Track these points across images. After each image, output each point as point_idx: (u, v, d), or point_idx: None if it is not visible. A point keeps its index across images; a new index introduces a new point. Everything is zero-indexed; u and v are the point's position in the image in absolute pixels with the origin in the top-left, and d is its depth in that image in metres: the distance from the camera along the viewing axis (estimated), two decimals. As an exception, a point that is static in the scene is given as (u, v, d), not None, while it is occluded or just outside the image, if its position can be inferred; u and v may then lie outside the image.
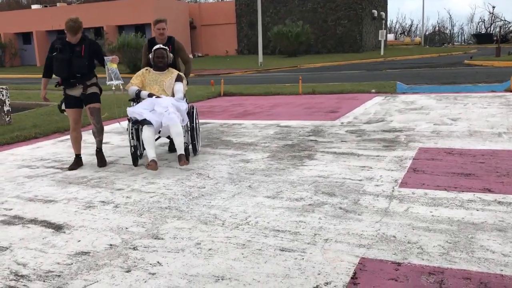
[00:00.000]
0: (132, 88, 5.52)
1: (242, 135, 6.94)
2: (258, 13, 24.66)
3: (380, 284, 2.49)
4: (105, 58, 5.33)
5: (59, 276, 2.77)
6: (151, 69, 5.63)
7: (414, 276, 2.56)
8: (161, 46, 5.59)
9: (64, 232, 3.45)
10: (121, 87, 5.36)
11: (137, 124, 5.20)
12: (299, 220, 3.44)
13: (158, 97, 5.32)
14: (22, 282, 2.74)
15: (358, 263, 2.74)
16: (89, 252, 3.08)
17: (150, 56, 5.61)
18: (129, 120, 5.22)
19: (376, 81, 13.62)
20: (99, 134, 5.51)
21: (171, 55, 5.67)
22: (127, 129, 5.36)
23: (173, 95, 5.49)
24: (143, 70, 5.68)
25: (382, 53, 29.70)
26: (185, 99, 5.61)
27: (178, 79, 5.62)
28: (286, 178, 4.55)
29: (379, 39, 30.76)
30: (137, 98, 5.51)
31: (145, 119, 5.02)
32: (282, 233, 3.23)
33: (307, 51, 32.98)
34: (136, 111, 5.10)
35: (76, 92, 5.31)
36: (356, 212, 3.56)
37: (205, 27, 37.17)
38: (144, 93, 5.43)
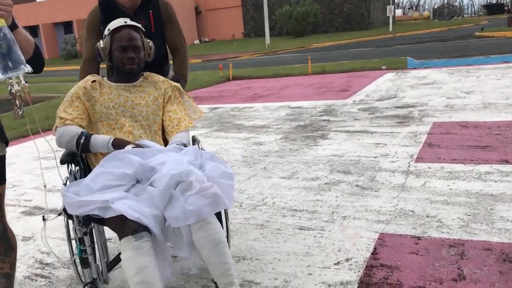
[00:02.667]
0: (69, 129, 2.27)
1: (254, 118, 6.93)
2: (264, -6, 24.40)
3: (401, 258, 2.50)
4: None
5: (83, 262, 2.81)
6: (106, 78, 2.46)
7: (435, 249, 2.56)
8: (129, 21, 2.38)
9: (85, 220, 3.49)
10: (23, 82, 1.81)
11: (94, 223, 2.16)
12: (316, 199, 3.45)
13: (136, 146, 2.21)
14: (47, 270, 2.79)
15: (378, 238, 2.75)
16: (111, 239, 3.12)
17: (101, 46, 2.37)
18: (66, 213, 2.09)
19: (386, 58, 13.47)
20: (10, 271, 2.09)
21: (149, 42, 2.44)
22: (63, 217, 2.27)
23: (163, 140, 2.47)
24: (85, 80, 2.41)
25: (391, 29, 29.31)
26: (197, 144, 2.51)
27: (172, 100, 2.49)
28: (300, 158, 4.55)
29: (387, 15, 30.32)
30: (81, 158, 2.36)
31: (137, 224, 1.86)
32: (299, 212, 3.24)
33: (315, 31, 32.65)
34: (97, 199, 1.92)
35: None
36: (373, 189, 3.56)
37: (211, 11, 36.93)
38: (99, 141, 2.24)
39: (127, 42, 2.32)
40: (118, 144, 2.21)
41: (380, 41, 23.72)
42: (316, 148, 4.86)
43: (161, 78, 2.53)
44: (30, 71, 1.63)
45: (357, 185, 3.65)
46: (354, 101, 7.49)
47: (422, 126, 5.39)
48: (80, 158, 2.35)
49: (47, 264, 2.86)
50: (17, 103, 8.84)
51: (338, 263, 2.50)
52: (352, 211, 3.17)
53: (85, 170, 2.37)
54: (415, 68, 10.92)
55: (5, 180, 1.98)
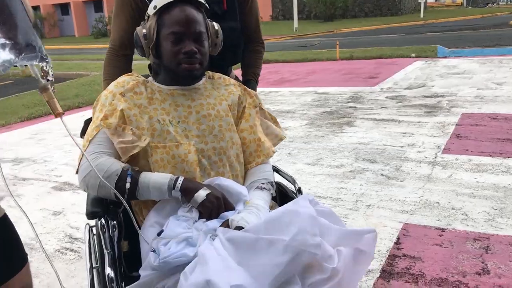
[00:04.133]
0: (102, 165, 1.39)
1: (280, 103, 6.92)
2: (293, -23, 24.11)
3: (424, 249, 2.50)
4: None
5: (111, 239, 2.90)
6: (150, 78, 1.60)
7: (459, 242, 2.55)
8: None
9: (113, 198, 3.59)
10: (51, 88, 1.18)
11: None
12: (340, 186, 3.46)
13: (210, 190, 1.38)
14: (76, 244, 2.89)
15: (402, 228, 2.75)
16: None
17: (143, 32, 1.50)
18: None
19: (416, 45, 13.20)
20: None
21: (215, 26, 1.58)
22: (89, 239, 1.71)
23: (239, 174, 1.56)
24: (121, 82, 1.53)
25: (422, 15, 28.65)
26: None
27: (248, 113, 1.65)
28: (325, 145, 4.55)
29: (419, 1, 29.64)
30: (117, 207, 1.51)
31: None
32: (323, 199, 3.26)
33: (344, 15, 32.14)
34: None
35: None
36: (398, 178, 3.54)
37: (239, -7, 36.68)
38: (153, 184, 1.38)
39: (184, 27, 1.46)
40: (188, 189, 1.37)
41: (410, 27, 23.23)
42: (342, 135, 4.84)
43: (232, 80, 1.70)
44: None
45: (382, 174, 3.64)
46: (381, 88, 7.40)
47: (450, 116, 5.31)
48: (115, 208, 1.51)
49: (76, 239, 2.96)
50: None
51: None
52: (377, 200, 3.17)
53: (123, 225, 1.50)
54: (445, 57, 10.69)
55: None
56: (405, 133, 4.76)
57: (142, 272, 1.27)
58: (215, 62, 1.79)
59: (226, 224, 1.27)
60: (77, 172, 1.44)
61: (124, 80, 1.53)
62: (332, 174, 3.71)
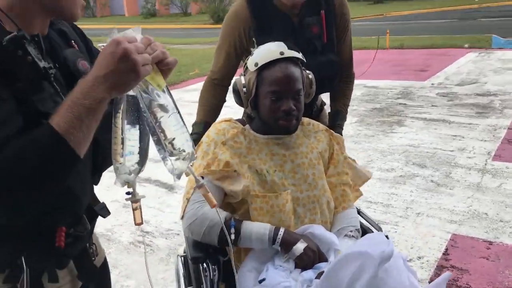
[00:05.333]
0: (207, 214, 1.50)
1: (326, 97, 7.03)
2: (343, -42, 23.67)
3: (471, 262, 2.66)
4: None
5: (178, 234, 3.21)
6: (248, 126, 1.68)
7: (507, 256, 2.69)
8: (286, 51, 1.55)
9: (176, 193, 3.90)
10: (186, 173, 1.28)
11: None
12: (391, 192, 3.62)
13: (307, 242, 1.48)
14: (148, 238, 3.21)
15: (450, 239, 2.91)
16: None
17: (242, 83, 1.59)
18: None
19: (469, 34, 12.85)
20: None
21: (309, 75, 1.63)
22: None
23: (328, 220, 1.64)
24: (221, 130, 1.63)
25: (477, -2, 27.54)
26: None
27: (336, 158, 1.71)
28: (375, 146, 4.69)
29: (475, -18, 28.43)
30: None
31: None
32: (374, 204, 3.43)
33: (394, -3, 31.33)
34: None
35: None
36: (448, 186, 3.66)
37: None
38: (255, 236, 1.49)
39: (284, 87, 1.52)
40: (287, 242, 1.47)
41: (464, 12, 22.44)
42: (392, 136, 4.96)
43: (321, 125, 1.75)
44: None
45: (432, 181, 3.77)
46: (432, 84, 7.38)
47: (502, 119, 5.31)
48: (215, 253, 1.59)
49: (147, 232, 3.28)
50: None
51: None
52: (426, 208, 3.32)
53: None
54: (500, 48, 10.40)
55: None
56: (456, 135, 4.82)
57: None
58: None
59: (320, 275, 1.36)
60: (182, 218, 1.56)
61: (224, 128, 1.62)
62: (383, 179, 3.87)
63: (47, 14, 1.04)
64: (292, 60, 1.56)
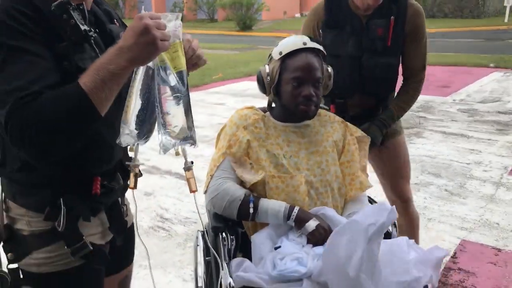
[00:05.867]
0: (228, 190, 1.67)
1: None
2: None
3: (479, 266, 2.72)
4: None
5: (195, 223, 3.34)
6: (268, 113, 1.84)
7: (513, 263, 2.75)
8: (309, 42, 1.70)
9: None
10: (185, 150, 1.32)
11: None
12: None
13: (318, 225, 1.59)
14: (167, 224, 3.35)
15: (459, 244, 2.98)
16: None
17: (266, 71, 1.74)
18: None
19: (495, 54, 12.81)
20: None
21: (328, 68, 1.79)
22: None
23: (339, 205, 1.75)
24: (244, 116, 1.78)
25: (506, 20, 27.33)
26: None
27: (347, 148, 1.82)
28: (393, 154, 4.76)
29: (505, 4, 28.25)
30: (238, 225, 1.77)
31: None
32: (387, 207, 3.51)
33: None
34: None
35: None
36: (461, 195, 3.73)
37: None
38: (271, 212, 1.63)
39: (306, 74, 1.66)
40: (301, 219, 1.60)
41: (492, 32, 22.29)
42: (410, 146, 5.01)
43: (337, 117, 1.87)
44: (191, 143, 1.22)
45: (446, 190, 3.83)
46: (454, 100, 7.41)
47: (523, 136, 5.33)
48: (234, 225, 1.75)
49: (166, 219, 3.42)
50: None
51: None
52: (438, 215, 3.39)
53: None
54: (526, 69, 10.35)
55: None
56: (473, 150, 4.87)
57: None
58: (367, 92, 2.15)
59: None
60: (205, 192, 1.71)
61: (246, 114, 1.78)
62: (397, 185, 3.94)
63: None
64: (314, 50, 1.70)
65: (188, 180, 1.31)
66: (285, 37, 1.78)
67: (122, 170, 1.39)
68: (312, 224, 1.58)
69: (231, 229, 1.72)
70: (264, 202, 1.64)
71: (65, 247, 1.23)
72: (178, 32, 1.15)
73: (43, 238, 1.22)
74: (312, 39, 1.73)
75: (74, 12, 1.13)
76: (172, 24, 1.13)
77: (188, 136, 1.19)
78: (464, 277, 2.62)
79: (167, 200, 3.74)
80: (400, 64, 2.20)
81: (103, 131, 1.21)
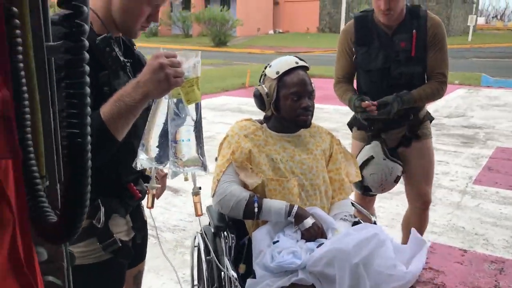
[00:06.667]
0: (234, 191, 1.87)
1: (324, 120, 7.43)
2: (343, -8, 24.57)
3: (447, 265, 2.99)
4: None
5: (184, 230, 3.51)
6: (265, 125, 2.04)
7: (478, 262, 3.03)
8: (299, 61, 1.95)
9: (181, 195, 4.21)
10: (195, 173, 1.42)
11: None
12: (379, 205, 3.96)
13: (314, 223, 1.82)
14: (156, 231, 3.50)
15: (430, 246, 3.24)
16: (205, 213, 3.81)
17: (265, 91, 1.93)
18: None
19: (460, 71, 13.43)
20: None
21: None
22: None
23: (325, 206, 1.99)
24: (244, 127, 2.01)
25: (469, 39, 28.53)
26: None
27: (334, 156, 2.07)
28: (367, 165, 5.04)
29: (468, 24, 29.49)
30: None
31: None
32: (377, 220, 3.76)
33: (390, 33, 32.31)
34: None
35: None
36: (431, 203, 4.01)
37: (288, 3, 37.33)
38: (273, 210, 1.84)
39: (302, 88, 1.90)
40: (300, 216, 1.81)
41: (457, 51, 23.25)
42: (382, 158, 5.32)
43: (324, 129, 2.13)
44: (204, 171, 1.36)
45: (416, 198, 4.12)
46: (422, 114, 7.80)
47: (485, 149, 5.71)
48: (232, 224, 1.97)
49: (156, 227, 3.57)
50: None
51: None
52: (410, 220, 3.66)
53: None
54: (488, 87, 10.94)
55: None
56: (441, 161, 5.20)
57: (256, 267, 1.73)
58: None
59: (319, 246, 1.73)
60: (212, 195, 1.92)
61: (245, 125, 2.00)
62: (380, 196, 4.21)
63: (116, 28, 1.39)
64: (304, 68, 1.95)
65: (195, 204, 1.45)
66: (277, 57, 2.01)
67: (143, 177, 1.58)
68: (309, 222, 1.80)
69: (231, 228, 1.94)
70: (267, 202, 1.84)
71: (98, 243, 1.40)
72: (196, 68, 1.27)
73: (79, 235, 1.39)
74: (300, 58, 1.97)
75: (114, 45, 1.32)
76: (191, 61, 1.26)
77: (198, 163, 1.31)
78: (434, 275, 2.88)
79: (155, 209, 3.88)
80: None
81: (135, 142, 1.39)
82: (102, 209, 1.39)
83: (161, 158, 1.35)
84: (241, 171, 1.90)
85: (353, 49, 2.52)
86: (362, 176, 2.39)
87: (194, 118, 1.30)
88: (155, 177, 1.45)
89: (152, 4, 1.34)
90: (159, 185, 1.50)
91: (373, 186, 2.61)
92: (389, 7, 2.34)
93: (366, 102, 2.38)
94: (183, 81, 1.21)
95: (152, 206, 1.42)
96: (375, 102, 2.37)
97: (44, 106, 0.75)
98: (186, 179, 1.40)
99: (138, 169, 1.34)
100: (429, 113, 2.67)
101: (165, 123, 1.32)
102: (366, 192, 2.69)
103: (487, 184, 4.47)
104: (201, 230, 2.21)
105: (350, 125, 2.92)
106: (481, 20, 47.65)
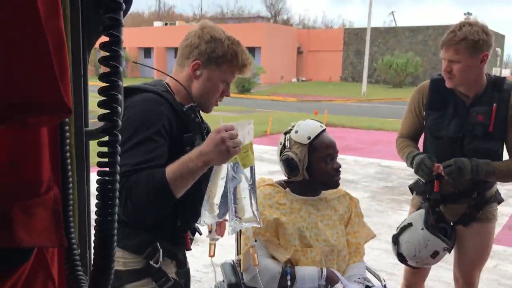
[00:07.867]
0: (267, 267, 1.91)
1: (344, 171, 7.40)
2: (367, 42, 25.06)
3: None
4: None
5: (200, 281, 3.56)
6: (288, 189, 2.06)
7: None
8: (323, 125, 2.03)
9: (198, 245, 4.27)
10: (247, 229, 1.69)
11: None
12: (395, 262, 3.94)
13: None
14: (173, 281, 3.57)
15: None
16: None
17: (298, 157, 1.93)
18: None
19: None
20: None
21: None
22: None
23: (340, 270, 2.02)
24: (268, 193, 2.02)
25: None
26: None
27: (353, 219, 2.11)
28: (384, 220, 5.06)
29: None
30: None
31: None
32: (378, 272, 3.74)
33: (414, 83, 32.43)
34: None
35: None
36: (448, 261, 3.98)
37: (312, 52, 38.10)
38: (307, 278, 1.90)
39: (333, 150, 1.97)
40: (330, 279, 1.90)
41: (480, 102, 23.15)
42: (401, 213, 5.33)
43: (342, 190, 2.11)
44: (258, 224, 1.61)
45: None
46: (443, 169, 7.77)
47: (506, 207, 5.64)
48: None
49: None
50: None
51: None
52: (427, 280, 3.63)
53: None
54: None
55: None
56: (460, 218, 5.17)
57: None
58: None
59: None
60: (244, 271, 2.00)
61: (269, 192, 2.01)
62: (389, 250, 4.17)
63: (191, 100, 1.62)
64: (324, 129, 2.01)
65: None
66: (302, 120, 2.08)
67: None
68: (338, 286, 1.89)
69: (245, 286, 2.02)
70: (299, 270, 1.91)
71: (153, 282, 1.56)
72: (250, 134, 1.50)
73: (136, 274, 1.55)
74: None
75: (198, 113, 1.57)
76: (246, 129, 1.49)
77: (254, 220, 1.52)
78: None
79: (172, 258, 3.97)
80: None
81: (196, 197, 1.54)
82: (161, 251, 1.55)
83: (223, 215, 1.57)
84: (269, 245, 1.95)
85: (424, 112, 2.41)
86: (398, 242, 2.41)
87: (249, 178, 1.53)
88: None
89: (225, 82, 1.63)
90: (220, 236, 1.71)
91: (407, 255, 2.47)
92: (450, 70, 2.19)
93: (438, 164, 2.22)
94: (240, 150, 1.42)
95: (213, 254, 1.59)
96: (449, 162, 2.17)
97: (80, 186, 0.88)
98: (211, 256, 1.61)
99: (202, 225, 1.55)
100: (499, 193, 2.43)
101: (225, 186, 1.53)
102: (403, 261, 2.56)
103: (507, 244, 4.41)
104: (215, 286, 2.29)
105: (411, 189, 2.69)
106: (506, 72, 47.47)
